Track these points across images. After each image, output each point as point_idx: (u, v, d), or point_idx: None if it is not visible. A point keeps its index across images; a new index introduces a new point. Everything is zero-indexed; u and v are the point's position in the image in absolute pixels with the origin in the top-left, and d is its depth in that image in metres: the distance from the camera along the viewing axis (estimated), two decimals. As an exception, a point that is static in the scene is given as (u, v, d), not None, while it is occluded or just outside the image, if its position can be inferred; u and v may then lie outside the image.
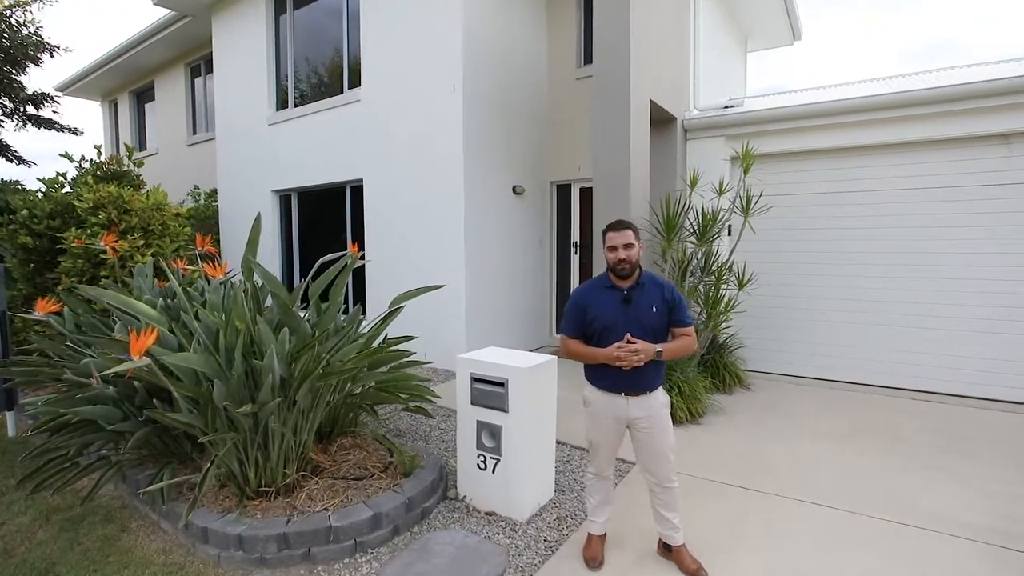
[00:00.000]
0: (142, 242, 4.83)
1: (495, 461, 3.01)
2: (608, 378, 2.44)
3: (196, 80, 10.65)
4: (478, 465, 3.09)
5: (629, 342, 2.32)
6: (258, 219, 2.88)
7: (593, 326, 2.44)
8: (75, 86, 12.35)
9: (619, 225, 2.45)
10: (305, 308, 3.46)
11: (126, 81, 12.07)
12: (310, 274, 3.15)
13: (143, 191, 5.66)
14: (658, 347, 2.34)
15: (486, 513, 3.04)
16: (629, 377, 2.39)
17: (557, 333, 7.51)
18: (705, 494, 3.21)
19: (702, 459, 3.68)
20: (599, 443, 2.55)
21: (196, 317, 2.80)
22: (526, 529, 2.88)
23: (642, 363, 2.31)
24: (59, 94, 11.10)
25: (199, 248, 3.39)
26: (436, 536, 2.67)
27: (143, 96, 12.23)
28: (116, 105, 12.88)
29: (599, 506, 2.66)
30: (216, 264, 2.94)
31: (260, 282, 2.92)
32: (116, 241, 4.47)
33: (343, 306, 3.36)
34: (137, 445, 2.92)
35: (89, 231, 4.68)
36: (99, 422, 2.77)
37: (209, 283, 2.96)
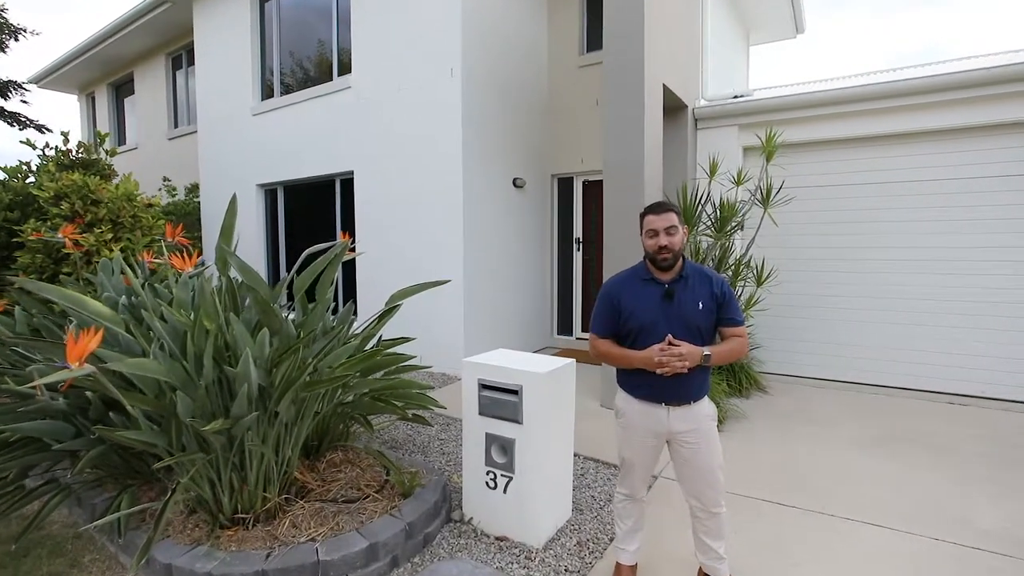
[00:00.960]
0: (110, 235, 4.39)
1: (507, 479, 2.65)
2: (646, 386, 2.09)
3: (177, 72, 10.16)
4: (487, 484, 2.72)
5: (671, 344, 1.97)
6: (233, 201, 2.49)
7: (628, 325, 2.09)
8: (50, 78, 11.77)
9: (660, 207, 2.10)
10: (291, 308, 3.08)
11: (104, 73, 11.52)
12: (295, 267, 2.76)
13: (115, 181, 5.21)
14: (706, 350, 1.99)
15: (497, 538, 2.67)
16: (671, 384, 2.04)
17: (559, 334, 7.17)
18: (740, 512, 2.87)
19: (731, 471, 3.32)
20: (633, 461, 2.19)
21: (161, 317, 2.41)
22: (543, 557, 2.52)
23: (686, 370, 1.96)
24: (30, 85, 10.52)
25: (170, 239, 2.99)
26: (442, 568, 2.30)
27: (122, 89, 11.69)
28: (94, 98, 12.32)
29: (630, 532, 2.31)
30: (186, 256, 2.55)
31: (239, 278, 2.53)
32: (80, 234, 4.03)
33: (332, 304, 2.97)
34: (91, 465, 2.52)
35: (50, 223, 4.25)
36: (45, 440, 2.36)
37: (178, 278, 2.56)
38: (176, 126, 10.19)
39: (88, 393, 2.37)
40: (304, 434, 2.67)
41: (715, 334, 2.12)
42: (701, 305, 2.05)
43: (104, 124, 11.94)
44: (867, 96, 4.77)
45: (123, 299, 2.82)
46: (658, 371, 1.96)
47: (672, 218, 2.06)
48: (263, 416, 2.31)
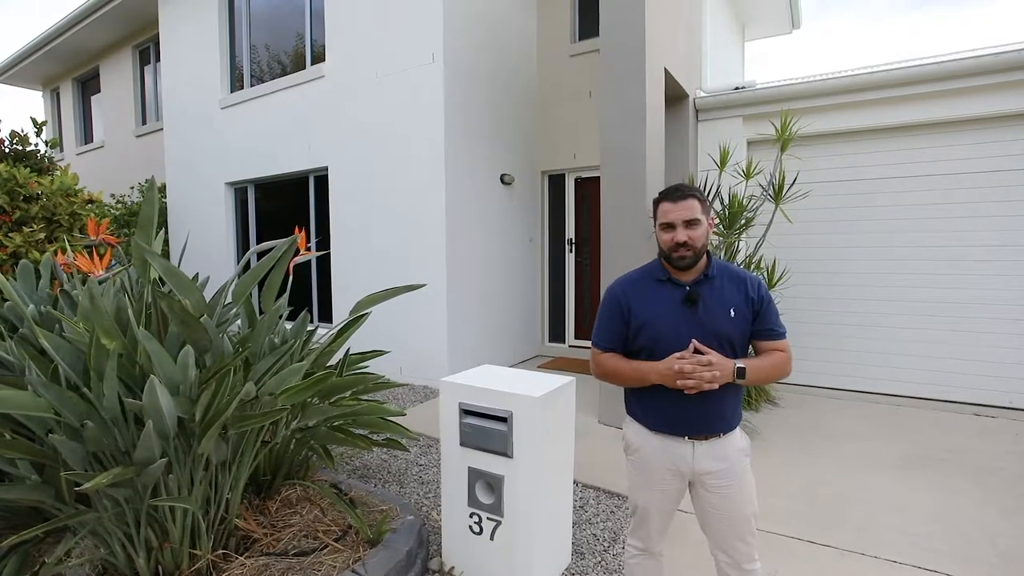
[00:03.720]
0: (43, 235, 3.87)
1: (494, 524, 2.20)
2: (664, 413, 1.65)
3: (145, 67, 9.59)
4: (471, 528, 2.27)
5: (697, 352, 1.55)
6: (152, 187, 2.01)
7: (641, 337, 1.65)
8: (10, 72, 11.13)
9: (678, 192, 1.66)
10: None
11: (68, 67, 10.90)
12: (236, 270, 2.29)
13: (53, 174, 4.67)
14: (739, 362, 1.56)
15: (482, 594, 2.22)
16: (697, 411, 1.61)
17: (551, 341, 6.73)
18: (768, 552, 2.44)
19: (752, 502, 2.91)
20: (649, 508, 1.75)
21: (61, 333, 1.93)
22: (539, 620, 2.06)
23: (716, 385, 1.53)
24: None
25: (92, 236, 2.50)
26: (413, 643, 1.85)
27: (88, 85, 11.07)
28: (58, 94, 11.67)
29: (645, 594, 1.87)
30: (97, 256, 2.07)
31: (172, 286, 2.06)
32: (5, 233, 3.51)
33: (287, 311, 2.50)
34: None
35: (-31, 221, 3.73)
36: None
37: (84, 283, 2.08)
38: (144, 123, 9.62)
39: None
40: (247, 471, 2.20)
41: (747, 347, 1.70)
42: (733, 312, 1.63)
43: (69, 121, 11.30)
44: (881, 84, 4.41)
45: (31, 309, 2.33)
46: (679, 386, 1.53)
47: (693, 206, 1.62)
48: (186, 456, 1.84)
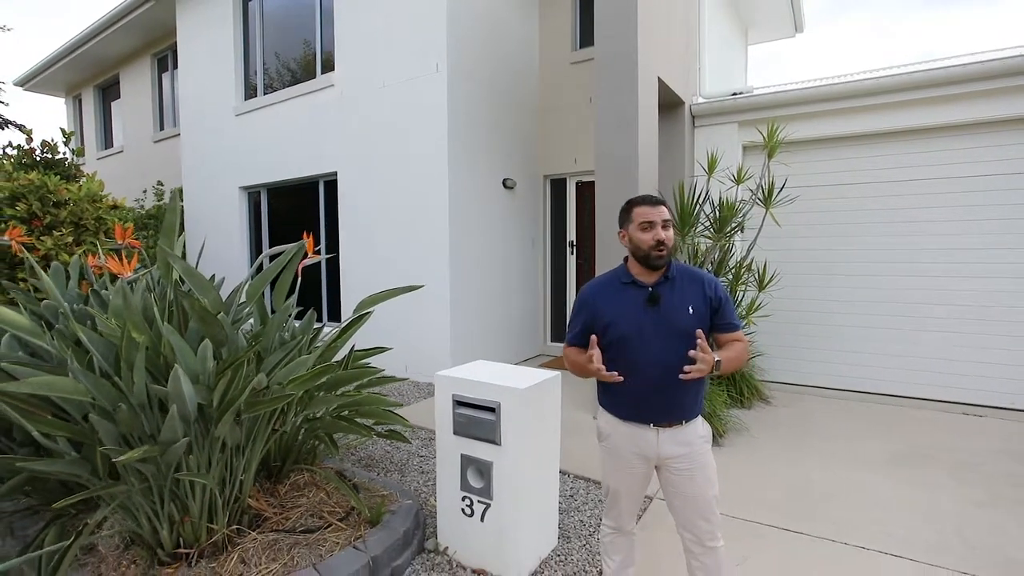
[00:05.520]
0: (71, 239, 4.14)
1: (484, 506, 2.38)
2: (631, 404, 1.83)
3: (163, 74, 9.94)
4: (463, 510, 2.46)
5: (701, 346, 1.65)
6: (175, 197, 2.23)
7: (608, 334, 1.82)
8: (35, 80, 11.56)
9: (653, 199, 1.85)
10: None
11: (90, 74, 11.31)
12: (249, 272, 2.51)
13: (79, 181, 4.96)
14: (716, 355, 1.71)
15: (474, 571, 2.41)
16: (661, 402, 1.79)
17: (553, 341, 6.90)
18: (742, 539, 2.60)
19: (737, 493, 3.06)
20: (619, 490, 1.93)
21: (94, 327, 2.16)
22: (524, 594, 2.25)
23: (705, 374, 1.66)
24: (10, 86, 10.27)
25: (119, 241, 2.73)
26: (407, 611, 2.04)
27: (108, 91, 11.47)
28: (80, 101, 12.10)
29: (619, 569, 2.04)
30: (125, 259, 2.29)
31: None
32: (37, 237, 3.77)
33: (296, 310, 2.71)
34: (20, 492, 2.25)
35: (3, 226, 3.99)
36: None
37: (113, 284, 2.30)
38: (162, 128, 9.96)
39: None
40: (259, 455, 2.41)
41: (708, 341, 1.86)
42: (692, 309, 1.80)
43: (91, 127, 11.72)
44: (872, 91, 4.53)
45: (64, 307, 2.57)
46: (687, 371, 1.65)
47: (666, 212, 1.82)
48: (204, 439, 2.05)
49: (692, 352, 1.66)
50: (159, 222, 7.85)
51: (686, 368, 1.65)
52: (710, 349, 1.67)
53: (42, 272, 2.37)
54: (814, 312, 5.07)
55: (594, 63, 4.20)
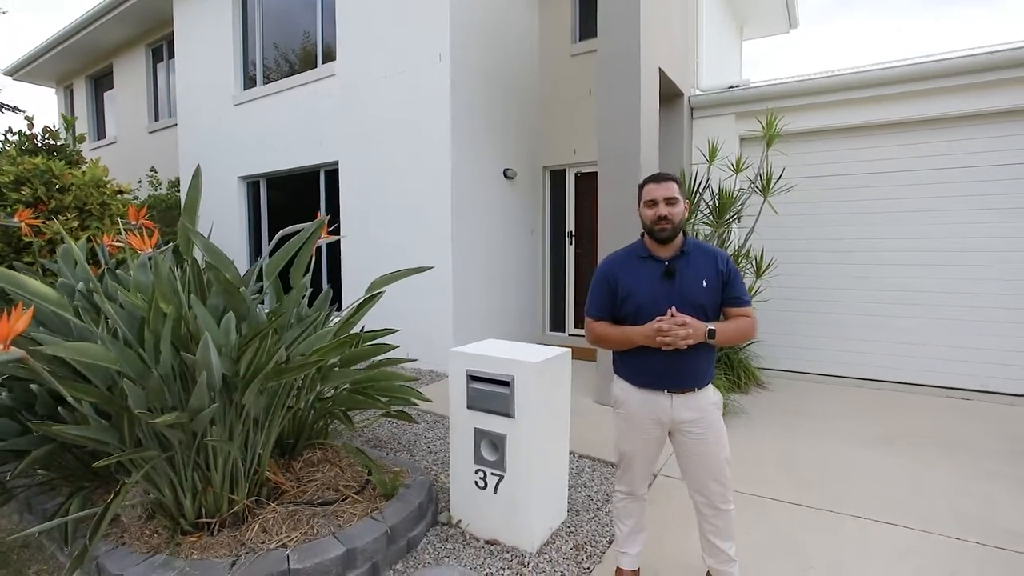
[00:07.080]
0: (76, 223, 4.14)
1: (497, 478, 2.45)
2: (647, 372, 1.91)
3: (158, 64, 9.86)
4: (476, 483, 2.52)
5: (673, 316, 1.80)
6: (197, 174, 2.27)
7: (625, 306, 1.91)
8: (26, 69, 11.40)
9: (660, 176, 1.95)
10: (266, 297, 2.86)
11: (82, 64, 11.18)
12: (266, 251, 2.55)
13: (82, 167, 4.94)
14: (711, 325, 1.81)
15: (486, 542, 2.47)
16: (674, 369, 1.86)
17: (552, 330, 6.98)
18: (745, 510, 2.69)
19: (737, 470, 3.08)
20: (634, 454, 2.01)
21: (116, 300, 2.19)
22: (537, 562, 2.32)
23: (690, 343, 1.78)
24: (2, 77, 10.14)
25: (133, 221, 2.76)
26: (427, 575, 2.11)
27: (101, 82, 11.35)
28: (72, 91, 11.96)
29: (631, 534, 2.12)
30: (146, 236, 2.33)
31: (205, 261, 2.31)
32: (43, 220, 3.77)
33: (308, 291, 2.76)
34: (40, 466, 2.29)
35: (9, 209, 3.99)
36: (-16, 438, 2.13)
37: (134, 260, 2.34)
38: (157, 119, 9.89)
39: (33, 386, 2.15)
40: (276, 430, 2.46)
41: (719, 315, 1.95)
42: (705, 283, 1.88)
43: (82, 118, 11.58)
44: (868, 83, 4.64)
45: (80, 285, 2.60)
46: (660, 344, 1.78)
47: (673, 188, 1.90)
48: (229, 409, 2.10)
49: (658, 325, 1.78)
50: (159, 213, 7.82)
51: (661, 326, 1.78)
52: (691, 318, 1.79)
53: (70, 245, 2.39)
54: (810, 300, 5.19)
55: (596, 58, 4.27)
